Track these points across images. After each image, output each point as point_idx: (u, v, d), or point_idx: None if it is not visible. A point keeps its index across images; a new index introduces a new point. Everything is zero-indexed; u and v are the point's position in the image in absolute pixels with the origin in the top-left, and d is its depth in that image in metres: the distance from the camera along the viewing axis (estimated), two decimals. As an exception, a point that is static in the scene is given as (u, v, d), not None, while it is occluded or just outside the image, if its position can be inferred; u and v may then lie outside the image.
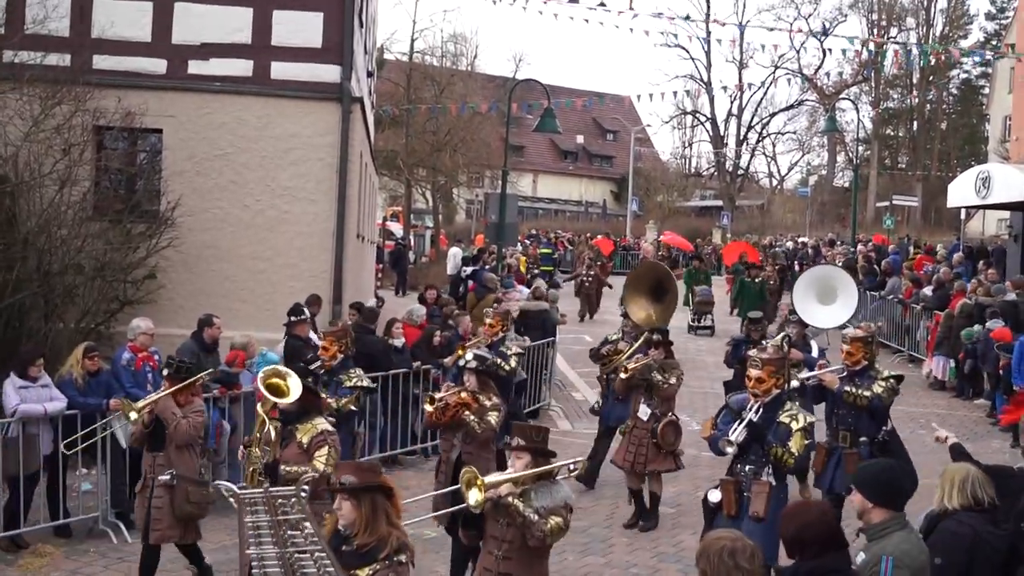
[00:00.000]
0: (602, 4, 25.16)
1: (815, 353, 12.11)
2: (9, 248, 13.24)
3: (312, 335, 13.53)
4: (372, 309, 15.41)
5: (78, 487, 11.01)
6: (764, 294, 25.23)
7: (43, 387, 10.39)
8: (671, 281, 13.13)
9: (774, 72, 63.07)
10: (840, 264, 29.54)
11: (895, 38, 61.12)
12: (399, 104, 40.69)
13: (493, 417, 8.92)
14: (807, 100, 67.98)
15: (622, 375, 11.20)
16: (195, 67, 15.81)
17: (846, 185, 64.84)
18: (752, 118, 68.37)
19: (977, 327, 17.52)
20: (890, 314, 23.56)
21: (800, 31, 51.20)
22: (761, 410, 7.58)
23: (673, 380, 11.32)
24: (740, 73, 67.30)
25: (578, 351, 20.95)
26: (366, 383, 10.02)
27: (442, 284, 31.37)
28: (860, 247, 33.24)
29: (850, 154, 63.49)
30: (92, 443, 10.63)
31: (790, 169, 77.13)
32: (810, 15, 64.89)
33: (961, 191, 25.31)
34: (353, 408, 10.01)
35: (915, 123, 68.03)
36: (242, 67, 15.87)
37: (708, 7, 64.13)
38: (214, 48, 15.80)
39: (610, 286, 29.29)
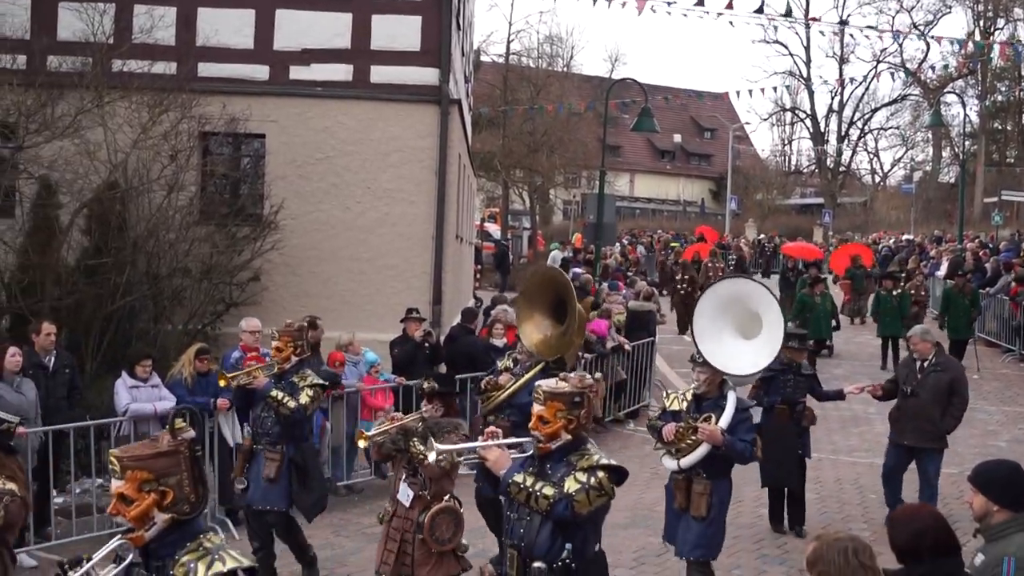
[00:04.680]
0: (699, 3, 24.87)
1: (730, 411, 7.98)
2: (119, 252, 13.59)
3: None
4: (471, 310, 15.47)
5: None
6: (906, 308, 20.95)
7: (153, 387, 10.64)
8: (571, 297, 9.37)
9: (876, 66, 61.97)
10: (948, 261, 28.84)
11: (1001, 29, 59.44)
12: (496, 106, 40.84)
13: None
14: (910, 94, 66.64)
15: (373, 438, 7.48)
16: (296, 72, 16.07)
17: (952, 181, 63.33)
18: (853, 114, 67.30)
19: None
20: (999, 312, 22.91)
21: (900, 32, 50.06)
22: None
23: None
24: (841, 68, 66.22)
25: (677, 351, 20.82)
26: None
27: (540, 285, 31.44)
28: (969, 244, 32.43)
29: (956, 149, 61.95)
30: (200, 441, 10.88)
31: (893, 165, 75.69)
32: (913, 7, 63.51)
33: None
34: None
35: (1024, 116, 66.20)
36: (342, 71, 16.07)
37: (807, 3, 63.21)
38: (315, 53, 16.03)
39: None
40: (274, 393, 8.80)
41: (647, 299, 18.59)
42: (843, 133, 67.52)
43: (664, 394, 8.73)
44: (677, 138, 76.32)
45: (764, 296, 8.65)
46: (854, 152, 69.77)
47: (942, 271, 28.22)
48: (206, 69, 15.74)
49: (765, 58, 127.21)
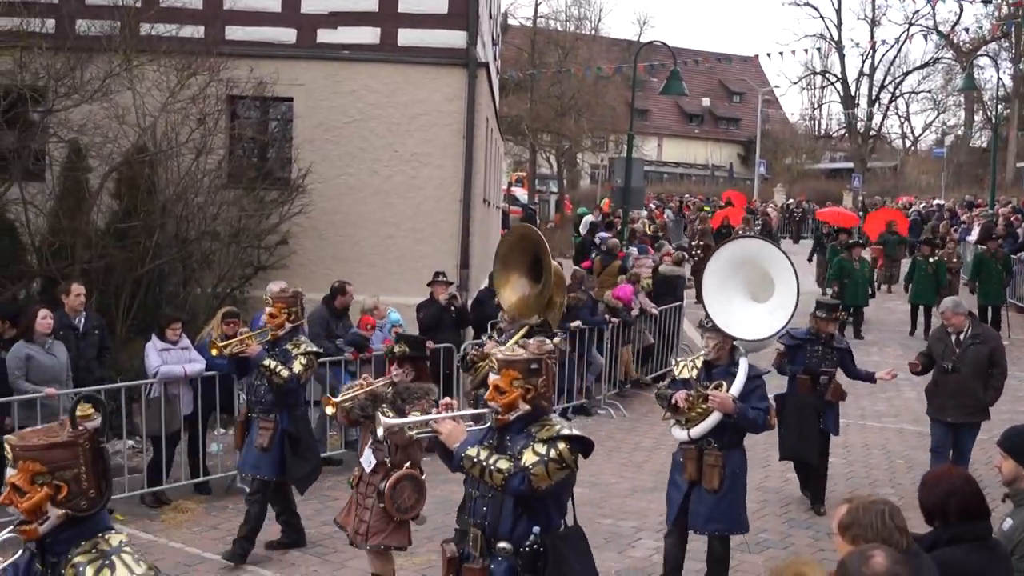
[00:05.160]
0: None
1: (741, 379, 7.74)
2: (149, 216, 13.65)
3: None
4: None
5: (214, 449, 11.33)
6: (942, 277, 20.60)
7: (183, 349, 10.71)
8: (545, 253, 8.94)
9: (908, 29, 61.12)
10: (979, 226, 28.48)
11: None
12: (523, 69, 40.69)
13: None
14: (943, 57, 65.75)
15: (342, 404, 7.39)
16: (324, 36, 16.02)
17: (984, 145, 62.53)
18: (884, 77, 66.45)
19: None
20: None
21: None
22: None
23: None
24: (872, 30, 65.46)
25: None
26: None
27: (567, 249, 31.43)
28: (1001, 209, 32.09)
29: (988, 113, 61.13)
30: (230, 404, 10.98)
31: (924, 129, 74.73)
32: (947, -32, 62.53)
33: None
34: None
35: (1059, 79, 65.26)
36: (369, 35, 16.01)
37: (839, -36, 62.42)
38: (342, 16, 15.97)
39: None
40: (267, 362, 8.68)
41: (677, 264, 18.55)
42: (874, 97, 66.78)
43: (673, 362, 8.34)
44: (705, 102, 75.76)
45: (777, 257, 8.20)
46: (885, 116, 69.01)
47: (973, 236, 27.94)
48: (234, 32, 15.73)
49: (795, 20, 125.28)
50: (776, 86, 68.78)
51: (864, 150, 64.79)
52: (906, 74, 66.82)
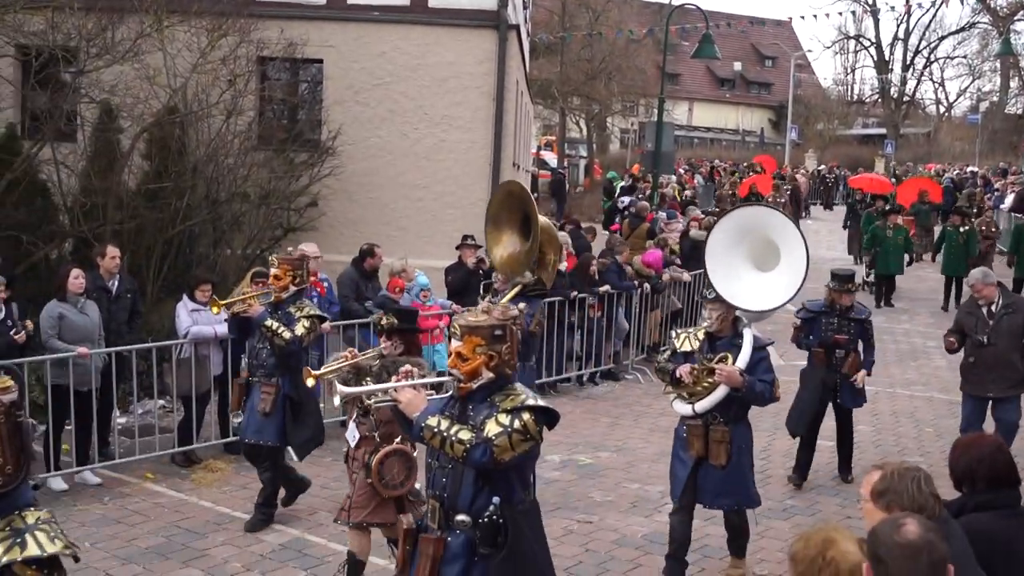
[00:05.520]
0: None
1: (747, 351, 7.44)
2: (180, 177, 13.70)
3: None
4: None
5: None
6: (972, 247, 20.08)
7: (213, 310, 10.76)
8: (531, 207, 8.83)
9: (945, -7, 60.25)
10: (1013, 194, 28.12)
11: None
12: (554, 32, 40.38)
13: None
14: (979, 22, 64.82)
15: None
16: (354, -3, 15.98)
17: (1020, 112, 61.83)
18: (919, 42, 65.62)
19: None
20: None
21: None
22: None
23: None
24: (908, -6, 64.59)
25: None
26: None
27: (596, 214, 31.33)
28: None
29: (1025, 79, 60.46)
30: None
31: (959, 95, 73.83)
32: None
33: None
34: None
35: (1097, 45, 64.22)
36: (400, -4, 15.96)
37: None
38: (373, -23, 15.92)
39: None
40: (269, 323, 8.56)
41: (706, 229, 18.44)
42: (908, 62, 65.99)
43: (674, 333, 7.91)
44: (737, 66, 75.13)
45: (785, 225, 7.85)
46: (919, 81, 68.18)
47: (1007, 204, 27.67)
48: (264, -7, 15.70)
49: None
50: (809, 50, 68.65)
51: (897, 116, 64.13)
52: (941, 39, 66.01)
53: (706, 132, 72.47)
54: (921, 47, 65.83)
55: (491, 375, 5.04)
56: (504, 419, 4.91)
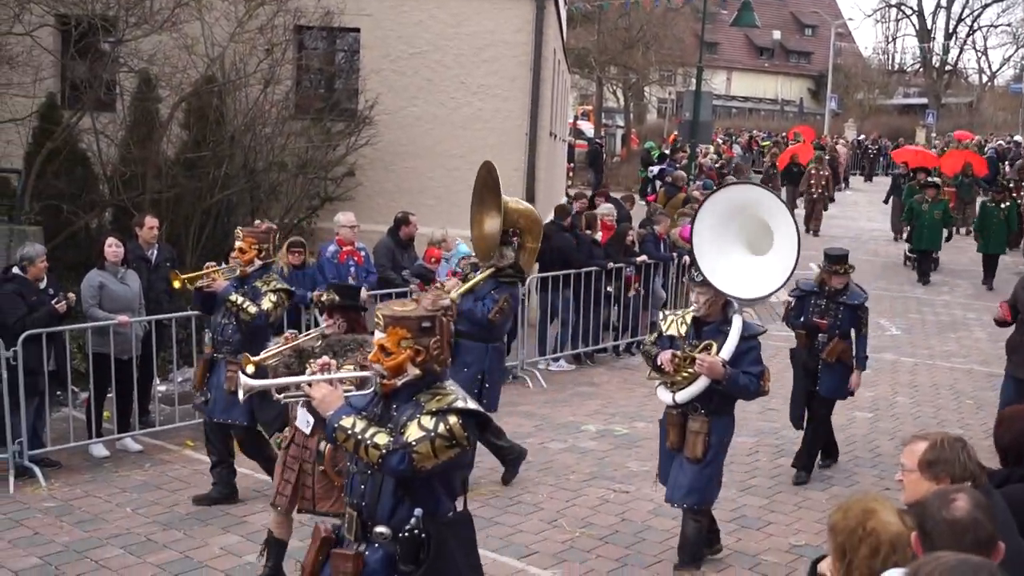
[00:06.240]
0: None
1: (734, 340, 6.94)
2: (218, 146, 13.76)
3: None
4: (564, 207, 15.37)
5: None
6: (1014, 222, 19.79)
7: (252, 279, 10.80)
8: (492, 188, 8.83)
9: (989, -41, 59.38)
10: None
11: None
12: (591, 0, 40.14)
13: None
14: (1024, -11, 63.89)
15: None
16: (391, -35, 15.90)
17: (1064, 80, 60.88)
18: (962, 10, 64.84)
19: None
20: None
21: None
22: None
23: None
24: (951, -39, 63.61)
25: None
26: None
27: (633, 184, 31.21)
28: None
29: (1070, 47, 59.47)
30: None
31: (1002, 64, 72.88)
32: None
33: None
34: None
35: None
36: (436, -36, 15.87)
37: None
38: (409, -55, 15.83)
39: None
40: (233, 297, 8.24)
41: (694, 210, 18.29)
42: (951, 30, 65.11)
43: (661, 315, 7.45)
44: (776, 35, 74.35)
45: (775, 204, 7.28)
46: (961, 50, 67.42)
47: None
48: (301, -38, 15.66)
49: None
50: (850, 19, 68.01)
51: (939, 85, 63.40)
52: (985, 6, 65.26)
53: (744, 102, 71.87)
54: (964, 15, 65.03)
55: (417, 372, 4.55)
56: (428, 422, 4.42)
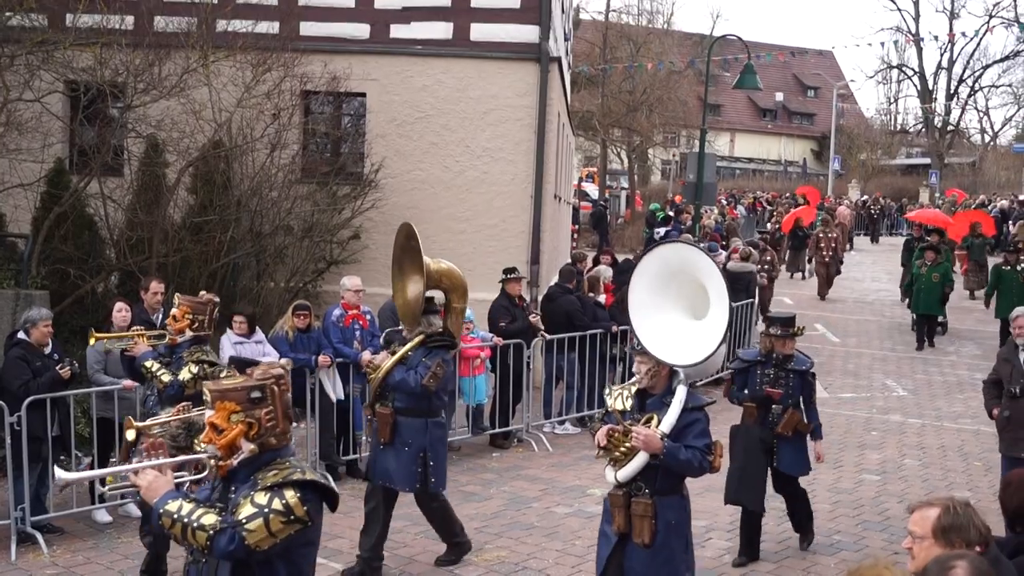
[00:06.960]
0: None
1: (675, 411, 6.49)
2: (224, 210, 13.84)
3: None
4: (569, 268, 15.40)
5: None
6: None
7: (257, 343, 10.84)
8: (410, 250, 8.69)
9: (988, 21, 59.83)
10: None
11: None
12: (595, 64, 40.53)
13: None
14: (1024, 50, 64.34)
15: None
16: (397, 31, 16.08)
17: (1066, 140, 61.11)
18: (963, 71, 65.19)
19: None
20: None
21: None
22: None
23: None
24: (951, 23, 64.15)
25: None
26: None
27: (637, 244, 31.29)
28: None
29: (1072, 107, 59.80)
30: (302, 397, 11.06)
31: (1004, 124, 73.28)
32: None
33: None
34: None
35: None
36: (442, 29, 16.03)
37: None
38: (415, 12, 16.01)
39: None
40: (149, 363, 7.97)
41: (745, 260, 18.37)
42: (952, 91, 65.55)
43: (607, 390, 6.95)
44: (779, 96, 75.01)
45: (707, 264, 6.71)
46: (963, 111, 67.72)
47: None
48: (308, 28, 15.85)
49: (872, 13, 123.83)
50: (852, 80, 68.23)
51: (941, 145, 63.64)
52: (986, 67, 65.53)
53: (748, 163, 72.36)
54: (965, 76, 65.43)
55: (253, 447, 4.22)
56: (261, 498, 4.10)
